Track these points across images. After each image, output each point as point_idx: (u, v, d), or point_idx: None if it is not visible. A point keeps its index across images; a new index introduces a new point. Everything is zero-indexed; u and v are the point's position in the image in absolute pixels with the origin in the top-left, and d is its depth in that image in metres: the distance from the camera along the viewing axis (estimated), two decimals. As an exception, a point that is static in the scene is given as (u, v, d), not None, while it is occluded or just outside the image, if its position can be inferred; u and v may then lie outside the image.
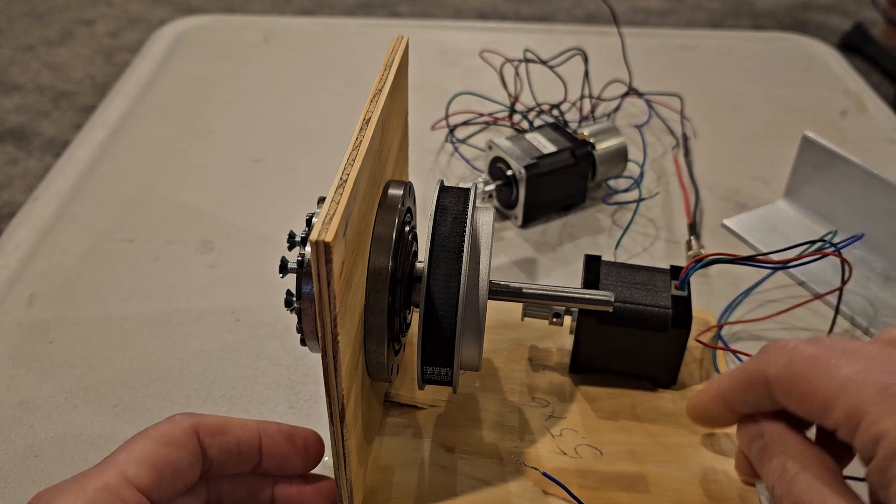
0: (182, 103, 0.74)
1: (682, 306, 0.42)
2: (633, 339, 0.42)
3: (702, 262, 0.43)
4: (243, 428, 0.34)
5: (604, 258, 0.45)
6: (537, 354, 0.46)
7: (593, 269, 0.44)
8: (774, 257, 0.45)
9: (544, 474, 0.39)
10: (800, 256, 0.44)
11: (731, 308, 0.51)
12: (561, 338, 0.47)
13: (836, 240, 0.47)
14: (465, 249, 0.36)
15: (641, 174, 0.63)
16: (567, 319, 0.43)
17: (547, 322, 0.43)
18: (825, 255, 0.45)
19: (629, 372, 0.45)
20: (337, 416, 0.32)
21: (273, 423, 0.36)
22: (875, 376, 0.29)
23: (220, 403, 0.44)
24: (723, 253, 0.44)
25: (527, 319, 0.43)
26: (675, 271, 0.44)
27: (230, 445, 0.34)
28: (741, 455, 0.36)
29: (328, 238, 0.27)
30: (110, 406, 0.44)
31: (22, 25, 2.37)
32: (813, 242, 0.47)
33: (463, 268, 0.35)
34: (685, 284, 0.43)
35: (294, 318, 0.36)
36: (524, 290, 0.41)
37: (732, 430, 0.42)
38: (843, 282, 0.47)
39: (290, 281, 0.36)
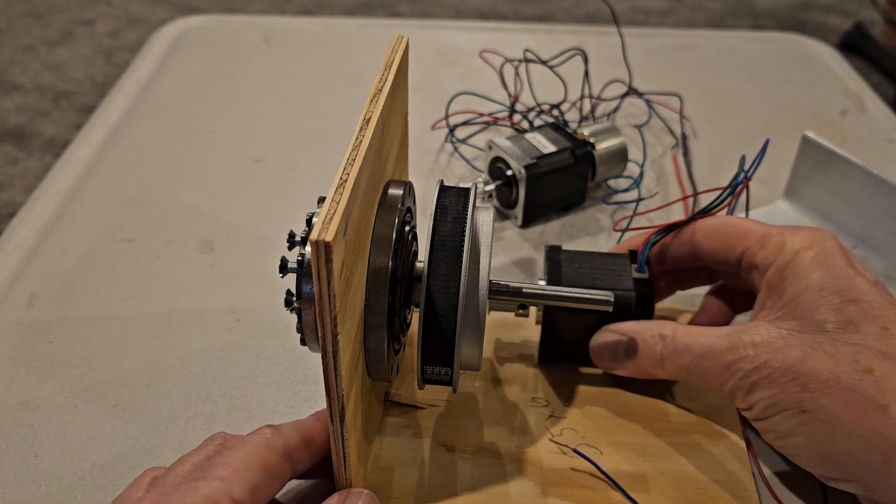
0: (182, 103, 0.74)
1: (644, 288, 0.43)
2: (599, 325, 0.43)
3: (652, 241, 0.44)
4: (319, 433, 0.36)
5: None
6: (537, 354, 0.46)
7: (554, 259, 0.45)
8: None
9: (594, 465, 0.40)
10: (727, 200, 0.44)
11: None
12: (561, 338, 0.47)
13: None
14: (465, 249, 0.36)
15: (641, 174, 0.63)
16: (533, 311, 0.43)
17: (513, 314, 0.43)
18: (745, 185, 0.45)
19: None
20: (337, 415, 0.32)
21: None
22: (786, 227, 0.40)
23: (220, 403, 0.44)
24: (665, 224, 0.44)
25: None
26: (633, 255, 0.45)
27: (312, 455, 0.36)
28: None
29: (328, 238, 0.27)
30: (110, 406, 0.44)
31: (22, 25, 2.37)
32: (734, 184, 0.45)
33: (463, 268, 0.35)
34: (643, 266, 0.44)
35: (294, 317, 0.36)
36: (524, 290, 0.41)
37: (730, 432, 0.42)
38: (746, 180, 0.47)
39: (290, 281, 0.36)
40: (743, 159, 0.44)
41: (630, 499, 0.38)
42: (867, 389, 0.33)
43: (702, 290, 0.48)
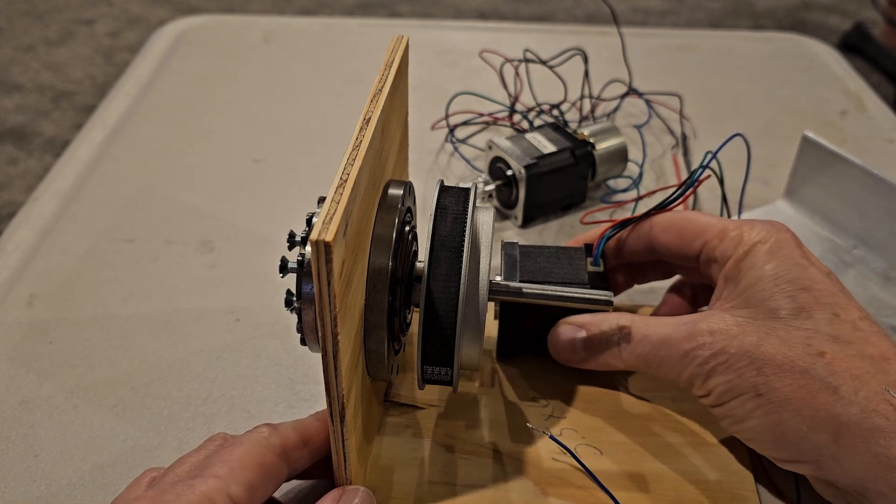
0: (182, 103, 0.74)
1: (599, 281, 0.43)
2: (555, 318, 0.43)
3: (608, 235, 0.44)
4: (318, 432, 0.36)
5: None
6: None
7: (510, 255, 0.45)
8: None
9: (551, 437, 0.40)
10: (684, 195, 0.44)
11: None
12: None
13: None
14: (465, 249, 0.36)
15: (640, 174, 0.63)
16: (490, 305, 0.43)
17: None
18: (701, 182, 0.45)
19: None
20: (337, 415, 0.32)
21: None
22: (744, 221, 0.40)
23: (220, 403, 0.44)
24: (621, 219, 0.45)
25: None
26: (588, 248, 0.45)
27: (310, 455, 0.36)
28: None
29: (328, 238, 0.27)
30: (110, 406, 0.44)
31: (22, 25, 2.37)
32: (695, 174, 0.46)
33: (463, 268, 0.35)
34: (598, 259, 0.44)
35: (294, 318, 0.36)
36: (524, 291, 0.41)
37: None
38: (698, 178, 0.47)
39: (291, 281, 0.36)
40: (706, 155, 0.45)
41: (614, 500, 0.38)
42: (819, 372, 0.34)
43: (661, 284, 0.49)
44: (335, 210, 0.29)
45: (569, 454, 0.40)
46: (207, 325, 0.50)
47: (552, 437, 0.40)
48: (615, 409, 0.43)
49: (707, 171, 0.44)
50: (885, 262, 0.53)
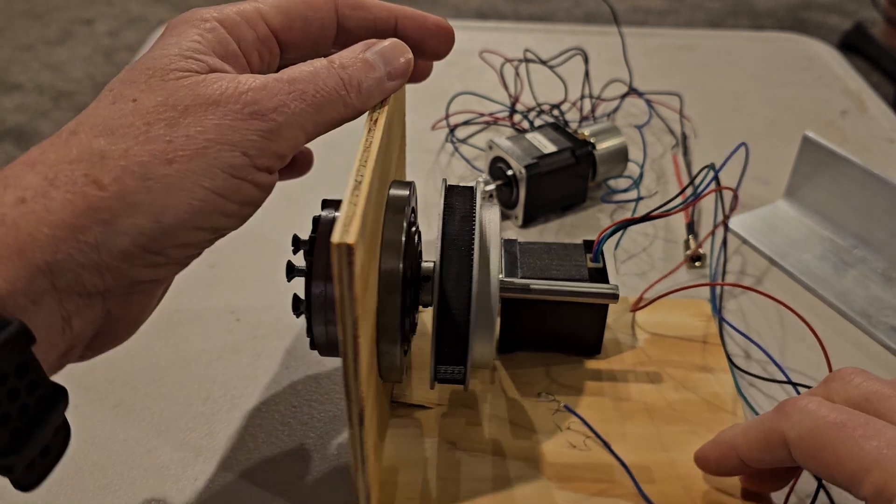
0: (182, 103, 0.74)
1: (599, 277, 0.44)
2: (555, 313, 0.43)
3: (610, 231, 0.45)
4: (381, 8, 0.36)
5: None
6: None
7: (511, 252, 0.45)
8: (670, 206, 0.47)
9: (566, 407, 0.42)
10: (696, 199, 0.45)
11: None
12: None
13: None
14: (476, 247, 0.36)
15: (641, 174, 0.63)
16: None
17: None
18: (713, 190, 0.46)
19: (556, 345, 0.46)
20: (356, 418, 0.32)
21: (407, 8, 0.37)
22: None
23: (220, 403, 0.44)
24: (623, 219, 0.45)
25: None
26: (588, 245, 0.46)
27: (367, 21, 0.35)
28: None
29: (351, 240, 0.27)
30: (110, 406, 0.44)
31: (22, 25, 2.37)
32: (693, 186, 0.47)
33: (474, 266, 0.36)
34: (598, 255, 0.45)
35: (294, 318, 0.36)
36: (531, 287, 0.42)
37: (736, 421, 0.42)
38: (725, 216, 0.53)
39: (294, 284, 0.36)
40: (709, 169, 0.45)
41: (640, 489, 0.38)
42: None
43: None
44: (354, 212, 0.29)
45: (577, 446, 0.40)
46: (208, 325, 0.49)
47: (567, 408, 0.41)
48: (621, 401, 0.43)
49: (710, 187, 0.45)
50: (886, 262, 0.53)
